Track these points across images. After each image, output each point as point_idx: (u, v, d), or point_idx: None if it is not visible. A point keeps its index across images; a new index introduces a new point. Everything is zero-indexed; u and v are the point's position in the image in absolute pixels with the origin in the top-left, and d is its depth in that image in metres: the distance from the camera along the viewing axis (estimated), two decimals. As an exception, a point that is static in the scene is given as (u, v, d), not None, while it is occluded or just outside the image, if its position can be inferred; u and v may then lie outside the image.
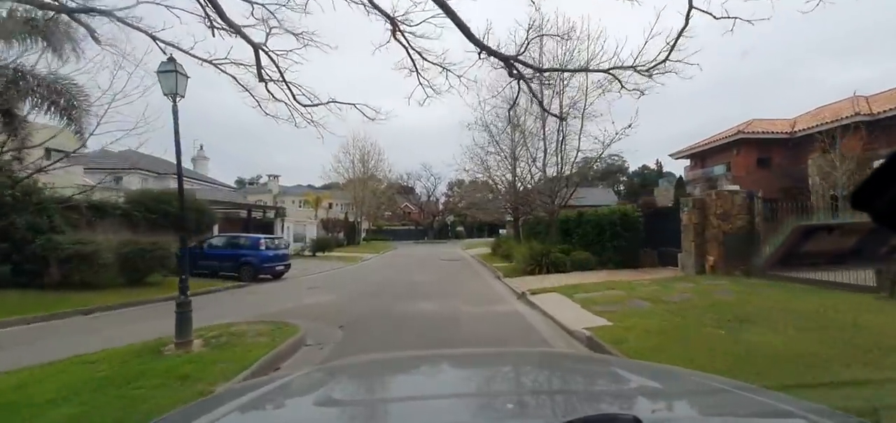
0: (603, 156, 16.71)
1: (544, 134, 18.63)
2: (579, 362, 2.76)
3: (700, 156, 30.54)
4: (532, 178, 19.93)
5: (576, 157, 18.10)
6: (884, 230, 0.82)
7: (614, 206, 18.14)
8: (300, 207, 58.71)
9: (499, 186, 26.43)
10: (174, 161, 7.28)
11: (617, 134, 15.53)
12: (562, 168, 18.30)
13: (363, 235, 56.24)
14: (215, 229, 21.12)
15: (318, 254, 27.36)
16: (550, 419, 1.29)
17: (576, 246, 18.57)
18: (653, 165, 66.58)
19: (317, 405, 1.43)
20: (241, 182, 68.93)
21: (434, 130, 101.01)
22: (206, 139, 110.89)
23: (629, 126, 15.11)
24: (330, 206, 55.45)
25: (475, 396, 1.56)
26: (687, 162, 33.14)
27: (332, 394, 1.53)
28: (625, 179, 69.10)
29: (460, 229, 66.07)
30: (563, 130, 17.79)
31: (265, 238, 16.94)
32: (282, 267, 17.20)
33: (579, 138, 17.93)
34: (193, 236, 18.12)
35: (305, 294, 13.25)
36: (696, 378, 1.84)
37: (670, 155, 32.20)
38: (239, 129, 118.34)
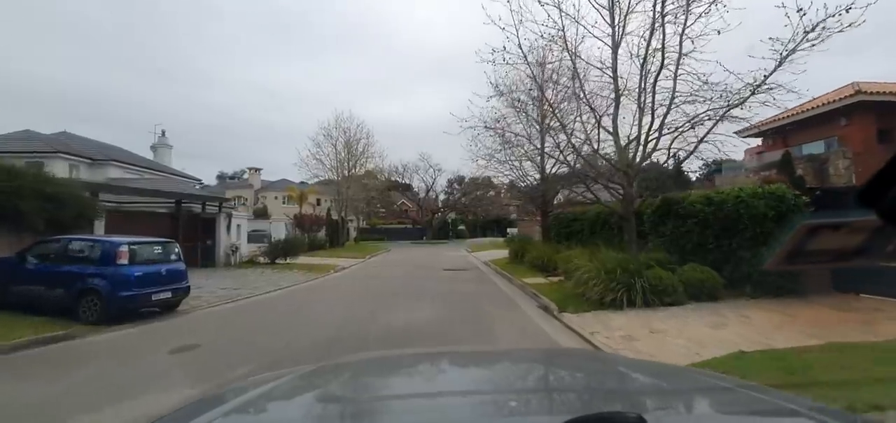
0: (762, 86, 8.88)
1: (614, 68, 10.86)
2: (584, 360, 2.56)
3: (779, 132, 22.93)
4: (591, 144, 12.11)
5: (670, 105, 10.38)
6: (891, 228, 0.80)
7: (753, 187, 10.39)
8: (284, 203, 51.02)
9: (524, 163, 18.76)
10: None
11: (816, 26, 7.69)
12: (650, 127, 10.55)
13: (354, 234, 48.72)
14: (100, 228, 13.41)
15: (277, 261, 19.63)
16: (554, 416, 1.22)
17: (657, 251, 10.87)
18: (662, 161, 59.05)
19: (320, 401, 1.40)
20: (222, 177, 61.17)
21: (434, 125, 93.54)
22: (196, 137, 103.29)
23: (848, 9, 7.31)
24: (318, 201, 47.72)
25: (479, 394, 1.47)
26: (753, 142, 25.60)
27: (335, 391, 1.49)
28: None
29: (462, 227, 58.33)
30: (657, 53, 10.04)
31: (131, 243, 9.17)
32: (169, 293, 9.44)
33: (676, 73, 10.21)
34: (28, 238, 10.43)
35: (141, 378, 5.55)
36: (701, 377, 1.86)
37: (736, 133, 24.45)
38: (230, 126, 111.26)
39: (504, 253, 24.58)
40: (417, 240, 49.55)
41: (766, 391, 1.47)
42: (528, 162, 19.04)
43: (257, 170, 55.62)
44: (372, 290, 13.03)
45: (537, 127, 18.33)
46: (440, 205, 57.65)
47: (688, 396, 1.42)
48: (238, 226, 20.21)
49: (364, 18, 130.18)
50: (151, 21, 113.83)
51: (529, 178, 19.20)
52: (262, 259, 19.56)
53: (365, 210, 53.61)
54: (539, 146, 18.91)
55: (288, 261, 19.84)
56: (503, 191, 70.57)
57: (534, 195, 19.56)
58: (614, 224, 15.10)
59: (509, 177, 20.59)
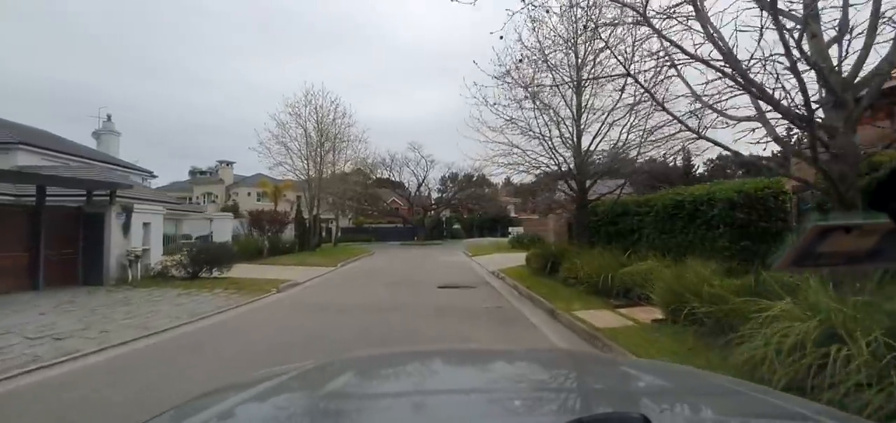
0: None
1: None
2: (588, 361, 2.49)
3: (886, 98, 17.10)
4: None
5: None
6: None
7: None
8: (258, 199, 44.60)
9: (556, 130, 12.74)
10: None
11: None
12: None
13: (337, 234, 42.43)
14: None
15: (202, 274, 13.34)
16: (558, 416, 1.15)
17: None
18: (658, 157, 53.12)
19: (327, 397, 1.32)
20: (194, 172, 54.41)
21: (430, 122, 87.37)
22: (185, 138, 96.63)
23: None
24: (299, 198, 41.32)
25: (483, 392, 1.39)
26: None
27: (342, 387, 1.41)
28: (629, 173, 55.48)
29: (457, 226, 52.20)
30: None
31: None
32: None
33: None
34: None
35: None
36: (706, 378, 1.81)
37: (814, 101, 18.51)
38: (221, 125, 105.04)
39: (514, 259, 18.56)
40: (408, 240, 43.32)
41: (775, 395, 1.42)
42: (558, 132, 12.96)
43: (229, 164, 48.97)
44: (303, 345, 6.81)
45: (573, 76, 12.31)
46: (433, 203, 51.30)
47: (693, 397, 1.33)
48: (145, 224, 13.85)
49: (357, 18, 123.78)
50: (135, 18, 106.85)
51: (565, 149, 13.02)
52: (174, 272, 13.24)
53: (353, 207, 47.27)
54: (573, 111, 12.87)
55: (216, 274, 13.56)
56: (501, 185, 64.79)
57: (567, 178, 13.38)
58: (717, 220, 9.08)
59: (526, 158, 14.32)
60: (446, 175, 50.90)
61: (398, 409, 1.26)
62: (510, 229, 41.28)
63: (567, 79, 12.35)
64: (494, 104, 13.31)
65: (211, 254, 13.57)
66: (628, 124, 11.99)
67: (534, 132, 12.80)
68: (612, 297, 8.83)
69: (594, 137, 12.73)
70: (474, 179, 48.85)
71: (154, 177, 38.05)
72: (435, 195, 52.41)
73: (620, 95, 11.60)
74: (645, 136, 11.10)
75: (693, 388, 1.44)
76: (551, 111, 12.44)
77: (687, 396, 1.35)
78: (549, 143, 12.73)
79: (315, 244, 26.38)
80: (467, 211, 56.12)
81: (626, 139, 12.32)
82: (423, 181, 47.05)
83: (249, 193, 44.38)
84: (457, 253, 27.05)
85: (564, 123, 12.68)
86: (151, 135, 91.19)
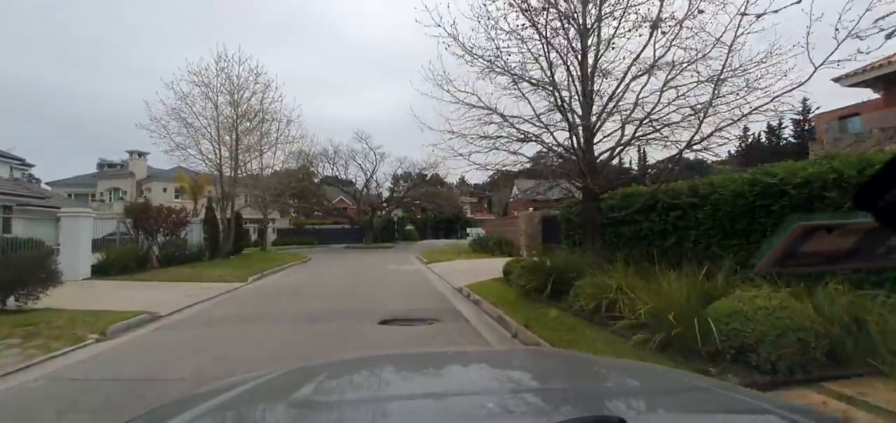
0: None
1: None
2: (561, 361, 2.35)
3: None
4: None
5: None
6: (883, 230, 0.76)
7: None
8: (177, 196, 37.78)
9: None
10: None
11: None
12: None
13: (272, 236, 36.62)
14: None
15: (20, 300, 8.00)
16: (534, 418, 1.16)
17: None
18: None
19: (293, 406, 1.23)
20: (102, 164, 46.05)
21: (384, 120, 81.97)
22: (133, 134, 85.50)
23: None
24: (227, 193, 34.97)
25: (456, 396, 1.36)
26: (864, 94, 17.09)
27: (309, 395, 1.33)
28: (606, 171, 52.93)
29: (410, 227, 47.52)
30: None
31: None
32: None
33: None
34: None
35: None
36: (677, 377, 1.79)
37: (833, 80, 15.63)
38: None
39: (482, 267, 14.34)
40: (355, 243, 38.14)
41: (741, 391, 1.43)
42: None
43: (142, 155, 41.37)
44: None
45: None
46: (383, 201, 46.15)
47: (664, 395, 1.34)
48: None
49: (311, 15, 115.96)
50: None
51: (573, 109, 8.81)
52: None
53: (293, 205, 41.41)
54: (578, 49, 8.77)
55: (19, 304, 8.23)
56: (456, 184, 60.56)
57: (577, 157, 9.14)
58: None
59: (509, 128, 9.96)
60: (398, 173, 46.04)
61: (370, 415, 1.21)
62: (469, 230, 37.23)
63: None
64: (466, 54, 8.96)
65: (6, 272, 8.15)
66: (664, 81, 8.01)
67: (531, 81, 8.51)
68: (705, 358, 4.68)
69: (612, 96, 8.65)
70: (429, 177, 44.39)
71: (30, 166, 30.60)
72: (385, 194, 47.39)
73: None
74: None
75: (664, 386, 1.43)
76: (554, 51, 8.24)
77: (658, 394, 1.34)
78: (558, 99, 8.44)
79: (230, 251, 20.79)
80: (421, 211, 51.59)
81: (660, 98, 8.35)
82: (371, 176, 41.94)
83: (165, 189, 37.40)
84: (410, 259, 22.43)
85: (568, 69, 8.50)
86: (103, 132, 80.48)
